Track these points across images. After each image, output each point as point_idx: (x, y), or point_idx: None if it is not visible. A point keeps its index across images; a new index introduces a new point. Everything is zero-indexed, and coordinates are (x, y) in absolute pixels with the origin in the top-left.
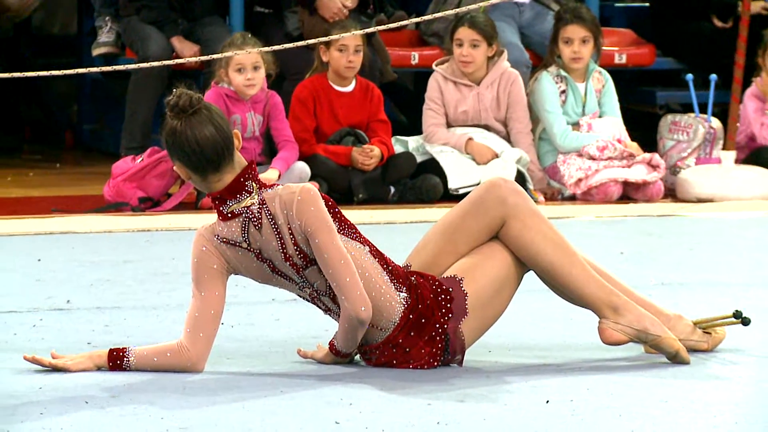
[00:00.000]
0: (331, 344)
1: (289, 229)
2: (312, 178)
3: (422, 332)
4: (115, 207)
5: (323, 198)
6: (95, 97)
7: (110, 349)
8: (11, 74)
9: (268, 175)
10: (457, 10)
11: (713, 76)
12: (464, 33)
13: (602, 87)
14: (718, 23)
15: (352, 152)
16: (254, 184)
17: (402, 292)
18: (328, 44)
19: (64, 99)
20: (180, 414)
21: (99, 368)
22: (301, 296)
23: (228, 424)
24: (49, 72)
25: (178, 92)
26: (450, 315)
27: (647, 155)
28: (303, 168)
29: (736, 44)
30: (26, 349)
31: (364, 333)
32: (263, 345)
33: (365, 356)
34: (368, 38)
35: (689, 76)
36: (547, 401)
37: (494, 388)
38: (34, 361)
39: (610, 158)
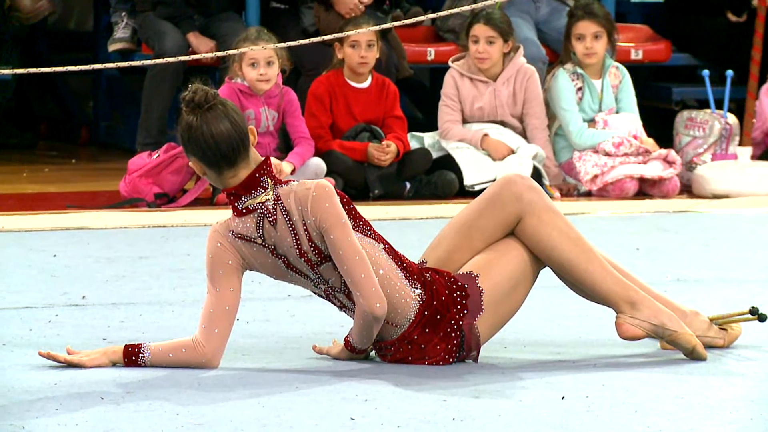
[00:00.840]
0: (346, 340)
1: (304, 224)
2: (328, 174)
3: (437, 329)
4: (131, 203)
5: (338, 194)
6: (111, 93)
7: (125, 345)
8: (27, 70)
9: (283, 168)
10: (473, 6)
11: (729, 72)
12: (480, 30)
13: (619, 83)
14: (733, 18)
15: (368, 148)
16: (269, 180)
17: (417, 288)
18: (342, 41)
19: (80, 95)
20: (195, 410)
21: (114, 364)
22: (315, 293)
23: (243, 420)
24: (65, 68)
25: (194, 87)
26: (465, 311)
27: (663, 151)
28: (319, 164)
29: (753, 40)
30: (42, 345)
31: (379, 329)
32: (279, 341)
33: (380, 353)
34: (384, 34)
35: (705, 72)
36: (563, 397)
37: (509, 385)
38: (49, 357)
39: (626, 154)
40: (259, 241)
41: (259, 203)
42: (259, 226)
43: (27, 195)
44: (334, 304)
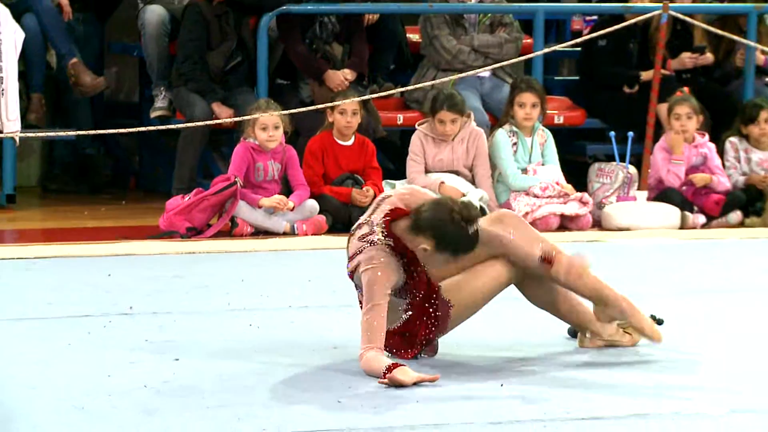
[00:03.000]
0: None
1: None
2: (320, 213)
3: (407, 341)
4: (168, 235)
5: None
6: (153, 149)
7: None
8: (88, 132)
9: (288, 203)
10: (433, 82)
11: (630, 133)
12: (444, 115)
13: (545, 141)
14: (628, 90)
15: (352, 192)
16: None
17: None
18: (332, 108)
19: (129, 151)
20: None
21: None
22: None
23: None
24: (117, 130)
25: (469, 205)
26: (432, 333)
27: (579, 194)
28: (313, 204)
29: (648, 108)
30: (98, 345)
31: None
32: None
33: None
34: (364, 103)
35: (612, 133)
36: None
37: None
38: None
39: (550, 196)
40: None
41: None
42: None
43: (87, 229)
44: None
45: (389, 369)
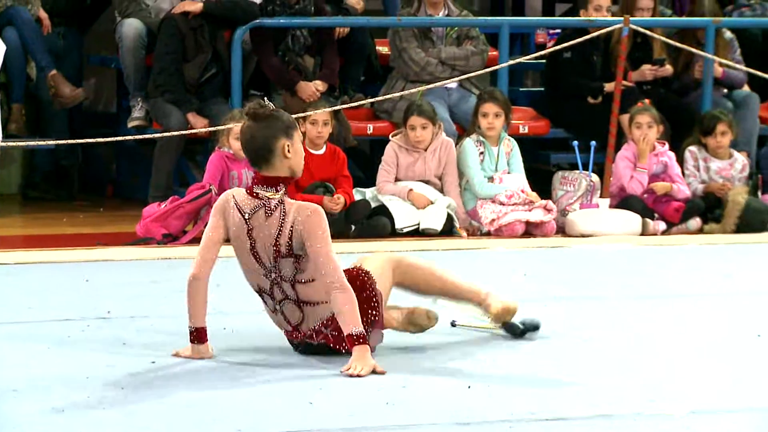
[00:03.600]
0: (350, 340)
1: (292, 226)
2: None
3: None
4: (145, 241)
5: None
6: (130, 158)
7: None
8: (67, 141)
9: None
10: (401, 93)
11: (593, 143)
12: (415, 120)
13: (510, 150)
14: (592, 100)
15: (323, 200)
16: (283, 190)
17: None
18: (304, 118)
19: (106, 160)
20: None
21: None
22: (257, 284)
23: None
24: (96, 140)
25: (260, 102)
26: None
27: (543, 202)
28: None
29: (610, 119)
30: (78, 348)
31: (352, 310)
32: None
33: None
34: (335, 114)
35: (575, 143)
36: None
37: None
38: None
39: (515, 204)
40: (246, 217)
41: (266, 197)
42: (253, 210)
43: (67, 235)
44: (270, 298)
45: (363, 336)
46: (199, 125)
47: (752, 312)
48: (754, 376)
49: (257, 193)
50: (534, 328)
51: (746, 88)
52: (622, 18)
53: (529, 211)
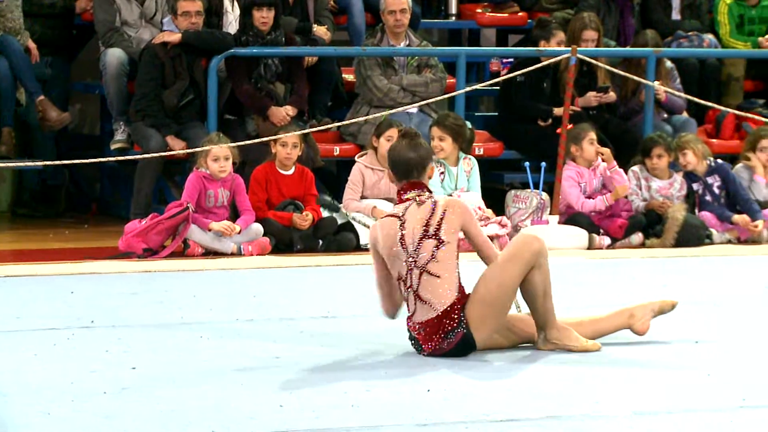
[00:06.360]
0: None
1: (444, 212)
2: (264, 235)
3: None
4: (126, 255)
5: None
6: (113, 178)
7: None
8: (54, 162)
9: (234, 227)
10: (366, 117)
11: (543, 164)
12: (392, 132)
13: (471, 169)
14: (542, 123)
15: (293, 217)
16: (429, 192)
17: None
18: (275, 141)
19: (91, 179)
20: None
21: None
22: (398, 271)
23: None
24: (81, 161)
25: (408, 129)
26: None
27: (498, 218)
28: (258, 227)
29: (558, 141)
30: (63, 356)
31: None
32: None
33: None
34: (304, 136)
35: (526, 164)
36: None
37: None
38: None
39: None
40: (400, 214)
41: (415, 196)
42: (405, 207)
43: (53, 250)
44: (405, 283)
45: None
46: (178, 147)
47: (690, 320)
48: (692, 379)
49: (407, 198)
50: None
51: (685, 114)
52: (569, 48)
53: (485, 226)
